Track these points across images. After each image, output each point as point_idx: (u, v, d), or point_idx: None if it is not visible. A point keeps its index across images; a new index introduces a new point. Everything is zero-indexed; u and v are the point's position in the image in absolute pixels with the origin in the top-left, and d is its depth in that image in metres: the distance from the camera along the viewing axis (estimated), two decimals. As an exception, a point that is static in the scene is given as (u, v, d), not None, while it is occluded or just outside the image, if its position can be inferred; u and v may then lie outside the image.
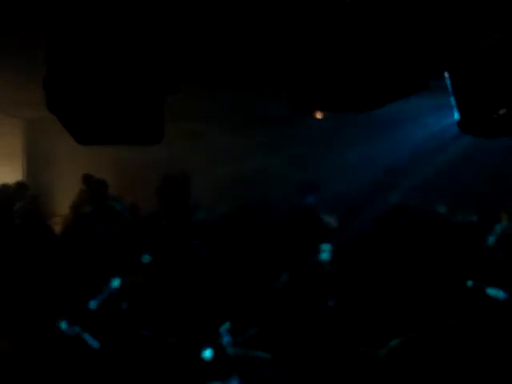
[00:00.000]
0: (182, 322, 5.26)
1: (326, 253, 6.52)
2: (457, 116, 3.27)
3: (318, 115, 6.80)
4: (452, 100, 3.21)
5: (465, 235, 5.89)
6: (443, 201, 6.88)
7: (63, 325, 5.11)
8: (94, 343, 5.09)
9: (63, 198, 9.40)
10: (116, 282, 5.47)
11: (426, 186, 8.10)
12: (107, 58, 2.98)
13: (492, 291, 5.43)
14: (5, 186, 7.42)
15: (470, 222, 6.30)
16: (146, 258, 5.57)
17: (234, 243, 6.10)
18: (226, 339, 5.24)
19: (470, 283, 5.33)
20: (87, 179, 7.22)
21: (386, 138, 9.03)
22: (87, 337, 5.05)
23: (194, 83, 6.06)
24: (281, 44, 3.42)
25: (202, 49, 4.74)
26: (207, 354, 5.14)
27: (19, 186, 7.76)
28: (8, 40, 4.53)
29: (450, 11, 2.97)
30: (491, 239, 5.88)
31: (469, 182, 7.55)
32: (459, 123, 3.29)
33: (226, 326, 5.30)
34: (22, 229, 5.41)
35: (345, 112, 3.55)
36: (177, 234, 5.72)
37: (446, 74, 3.21)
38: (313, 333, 5.56)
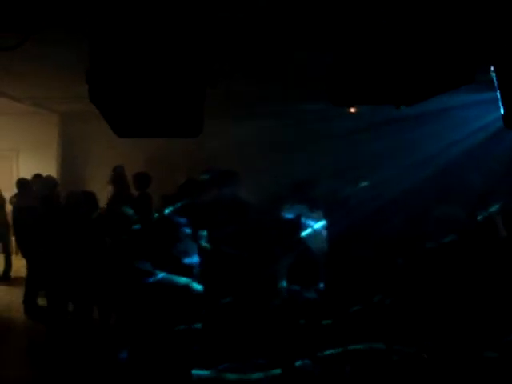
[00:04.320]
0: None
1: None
2: (502, 111, 3.19)
3: (352, 109, 6.77)
4: (498, 94, 3.14)
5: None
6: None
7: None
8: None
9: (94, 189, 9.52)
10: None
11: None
12: (148, 51, 2.97)
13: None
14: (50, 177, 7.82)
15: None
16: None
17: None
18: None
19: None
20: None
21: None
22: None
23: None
24: (321, 37, 3.38)
25: (242, 44, 4.71)
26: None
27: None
28: (49, 40, 4.58)
29: (497, 5, 2.90)
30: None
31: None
32: (504, 118, 3.22)
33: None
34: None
35: (385, 105, 3.50)
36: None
37: (492, 68, 3.13)
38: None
